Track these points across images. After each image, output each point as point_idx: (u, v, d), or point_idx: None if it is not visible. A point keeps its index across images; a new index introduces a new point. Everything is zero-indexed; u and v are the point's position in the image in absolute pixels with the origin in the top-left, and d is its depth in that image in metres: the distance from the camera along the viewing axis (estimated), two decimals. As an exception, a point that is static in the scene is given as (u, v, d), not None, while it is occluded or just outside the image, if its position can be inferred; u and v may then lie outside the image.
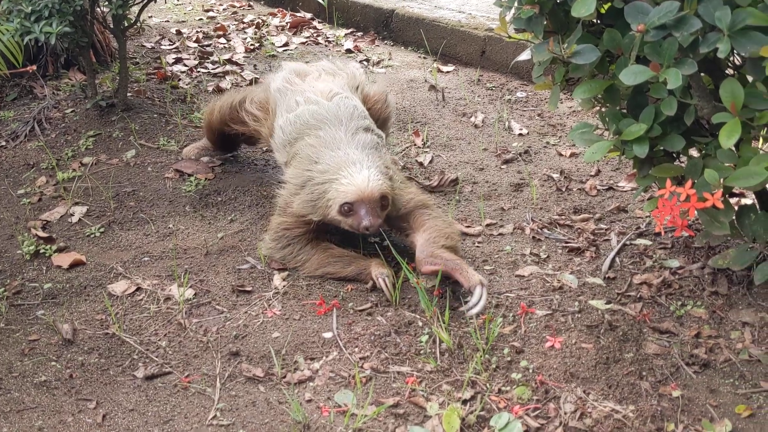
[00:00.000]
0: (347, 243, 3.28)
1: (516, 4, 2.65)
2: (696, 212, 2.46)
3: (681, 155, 2.80)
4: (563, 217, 3.48)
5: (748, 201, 3.07)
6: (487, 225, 3.48)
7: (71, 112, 4.66)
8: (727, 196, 2.59)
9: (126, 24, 4.54)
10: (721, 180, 2.39)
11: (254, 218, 3.61)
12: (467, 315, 2.76)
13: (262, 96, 3.69)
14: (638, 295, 2.88)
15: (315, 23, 6.61)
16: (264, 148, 4.14)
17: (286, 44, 6.08)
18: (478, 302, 2.75)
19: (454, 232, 3.10)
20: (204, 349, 2.79)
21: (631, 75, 2.29)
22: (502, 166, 4.02)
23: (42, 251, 3.40)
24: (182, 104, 4.84)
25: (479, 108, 4.74)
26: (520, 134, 4.38)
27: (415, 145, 4.29)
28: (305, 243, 3.18)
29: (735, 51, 2.23)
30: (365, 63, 5.59)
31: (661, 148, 2.67)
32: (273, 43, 6.07)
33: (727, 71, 2.66)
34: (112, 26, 4.51)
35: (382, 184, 2.99)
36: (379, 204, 2.98)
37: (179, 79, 5.24)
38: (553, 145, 4.23)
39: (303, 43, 6.12)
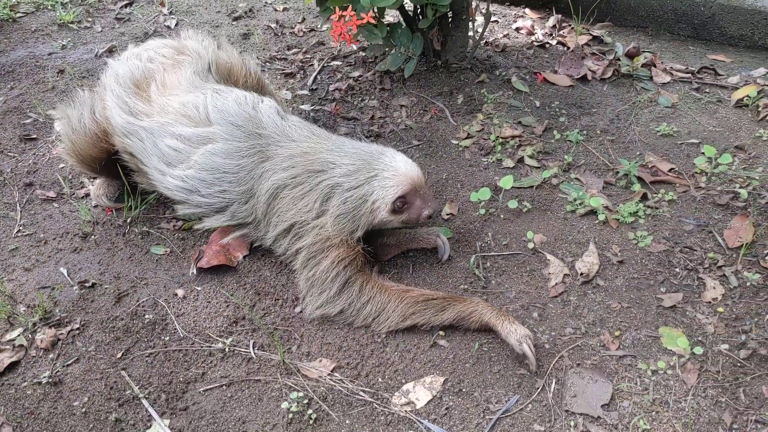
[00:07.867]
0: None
1: None
2: (358, 28, 2.51)
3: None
4: (280, 53, 3.41)
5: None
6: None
7: None
8: (381, 19, 2.65)
9: None
10: (372, 3, 2.43)
11: (32, 84, 3.17)
12: (443, 260, 2.08)
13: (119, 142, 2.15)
14: (333, 98, 2.95)
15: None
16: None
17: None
18: (445, 251, 2.07)
19: None
20: (2, 186, 2.50)
21: None
22: (233, 23, 3.81)
23: None
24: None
25: (211, -19, 4.39)
26: (245, -2, 4.15)
27: (162, 13, 3.92)
28: (364, 280, 1.89)
29: None
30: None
31: (332, -14, 2.65)
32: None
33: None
34: None
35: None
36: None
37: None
38: (271, 3, 4.05)
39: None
